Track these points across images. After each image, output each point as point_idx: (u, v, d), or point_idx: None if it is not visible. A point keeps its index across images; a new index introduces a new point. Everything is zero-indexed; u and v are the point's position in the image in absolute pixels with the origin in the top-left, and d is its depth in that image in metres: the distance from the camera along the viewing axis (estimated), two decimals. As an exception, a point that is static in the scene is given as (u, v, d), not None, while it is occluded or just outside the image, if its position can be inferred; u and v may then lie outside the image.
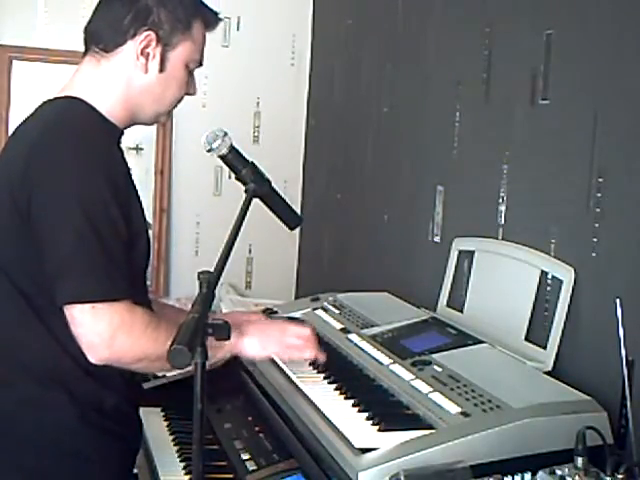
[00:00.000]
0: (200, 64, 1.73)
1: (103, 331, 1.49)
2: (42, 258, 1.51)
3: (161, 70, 1.66)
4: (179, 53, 1.67)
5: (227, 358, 1.75)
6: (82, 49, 1.71)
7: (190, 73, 1.72)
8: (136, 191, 1.66)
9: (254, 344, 1.72)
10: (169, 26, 1.64)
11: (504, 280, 2.01)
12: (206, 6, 1.73)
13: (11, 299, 1.56)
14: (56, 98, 1.65)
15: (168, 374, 2.18)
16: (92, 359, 1.52)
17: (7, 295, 1.57)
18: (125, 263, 1.55)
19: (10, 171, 1.57)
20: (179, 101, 1.74)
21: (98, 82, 1.65)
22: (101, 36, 1.65)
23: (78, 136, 1.56)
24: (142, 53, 1.64)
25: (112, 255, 1.52)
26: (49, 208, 1.51)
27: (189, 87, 1.73)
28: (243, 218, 1.55)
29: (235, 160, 1.70)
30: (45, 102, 1.66)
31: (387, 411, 1.54)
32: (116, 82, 1.65)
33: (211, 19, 1.73)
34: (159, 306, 1.93)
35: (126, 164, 1.66)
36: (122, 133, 1.70)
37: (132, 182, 1.65)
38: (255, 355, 1.75)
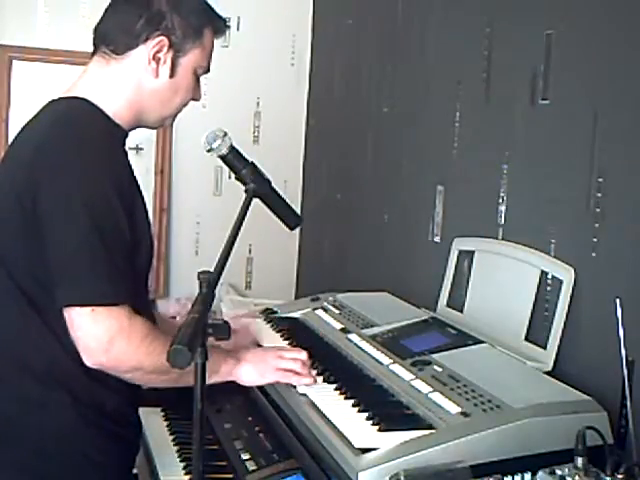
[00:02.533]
0: (207, 70, 1.74)
1: (101, 335, 1.49)
2: (46, 259, 1.51)
3: (171, 75, 1.67)
4: (189, 59, 1.67)
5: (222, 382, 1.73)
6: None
7: (197, 79, 1.72)
8: (140, 192, 1.66)
9: (251, 372, 1.72)
10: (182, 32, 1.65)
11: (504, 280, 2.01)
12: (216, 13, 1.73)
13: (13, 298, 1.56)
14: (61, 98, 1.65)
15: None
16: (88, 363, 1.52)
17: (9, 294, 1.57)
18: (127, 266, 1.55)
19: (16, 171, 1.57)
20: (184, 106, 1.74)
21: (106, 83, 1.66)
22: (112, 38, 1.65)
23: (82, 137, 1.56)
24: (154, 58, 1.64)
25: (114, 258, 1.52)
26: (53, 209, 1.51)
27: (194, 92, 1.73)
28: (243, 218, 1.55)
29: (235, 160, 1.70)
30: (51, 102, 1.66)
31: (387, 411, 1.54)
32: (125, 84, 1.66)
33: (220, 26, 1.74)
34: (162, 320, 1.93)
35: (130, 166, 1.66)
36: (127, 135, 1.70)
37: (136, 184, 1.65)
38: (252, 383, 1.75)
